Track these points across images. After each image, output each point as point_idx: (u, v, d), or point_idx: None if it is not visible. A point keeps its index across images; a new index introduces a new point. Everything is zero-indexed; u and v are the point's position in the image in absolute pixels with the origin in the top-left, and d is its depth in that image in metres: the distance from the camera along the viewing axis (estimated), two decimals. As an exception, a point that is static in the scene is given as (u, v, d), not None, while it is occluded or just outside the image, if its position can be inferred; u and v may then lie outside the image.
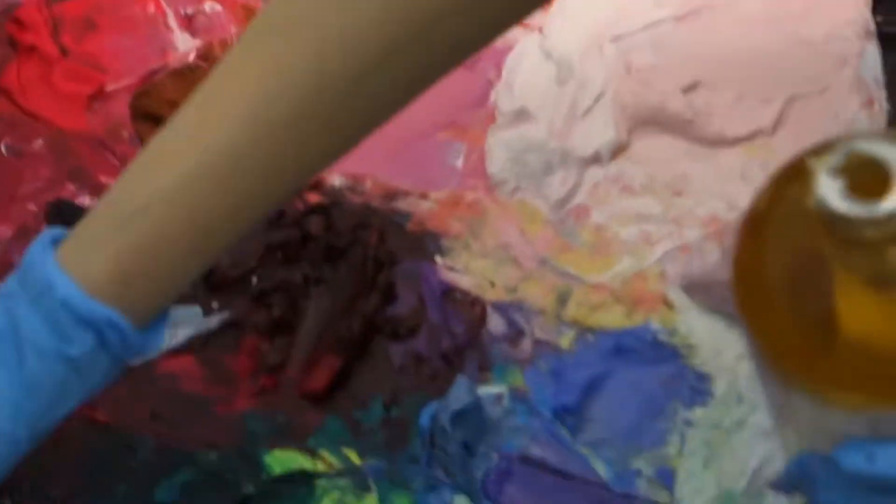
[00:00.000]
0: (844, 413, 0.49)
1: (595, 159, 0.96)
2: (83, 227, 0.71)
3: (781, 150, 0.95)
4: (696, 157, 0.96)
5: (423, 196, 0.95)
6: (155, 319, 0.72)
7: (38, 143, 1.01)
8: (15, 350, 0.67)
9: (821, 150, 0.46)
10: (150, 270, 0.69)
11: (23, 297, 0.68)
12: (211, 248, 0.71)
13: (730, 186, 0.93)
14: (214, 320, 0.88)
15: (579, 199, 0.94)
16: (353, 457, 0.83)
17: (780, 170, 0.50)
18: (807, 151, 0.47)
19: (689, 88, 0.99)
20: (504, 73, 1.02)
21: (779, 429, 0.58)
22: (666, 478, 0.81)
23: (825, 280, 0.47)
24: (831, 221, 0.44)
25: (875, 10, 1.02)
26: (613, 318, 0.88)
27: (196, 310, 0.88)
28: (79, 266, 0.68)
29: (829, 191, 0.43)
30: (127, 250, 0.68)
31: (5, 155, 1.00)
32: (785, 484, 0.58)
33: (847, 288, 0.46)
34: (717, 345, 0.87)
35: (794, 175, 0.48)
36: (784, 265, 0.49)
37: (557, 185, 0.94)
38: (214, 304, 0.89)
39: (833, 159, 0.44)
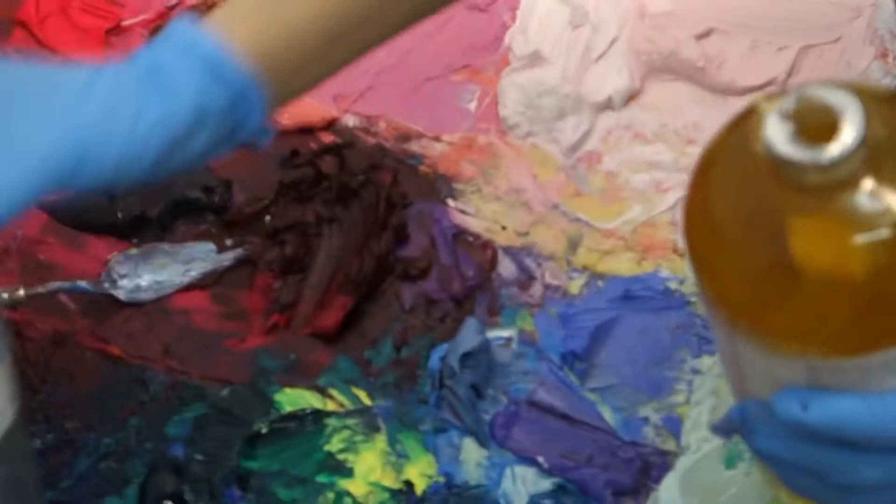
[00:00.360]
0: (785, 361, 0.49)
1: (608, 105, 0.96)
2: (229, 5, 0.71)
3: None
4: (709, 105, 0.96)
5: (436, 138, 0.96)
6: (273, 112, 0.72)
7: (55, 77, 1.01)
8: (155, 88, 0.67)
9: (775, 95, 0.46)
10: (285, 52, 0.69)
11: (167, 46, 0.67)
12: (345, 44, 0.72)
13: (741, 135, 0.94)
14: (228, 257, 0.89)
15: (591, 144, 0.95)
16: (363, 396, 0.84)
17: (735, 114, 0.50)
18: (760, 96, 0.47)
19: (703, 35, 0.99)
20: (519, 16, 1.02)
21: (725, 374, 0.58)
22: (673, 425, 0.82)
23: (772, 225, 0.46)
24: (777, 165, 0.44)
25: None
26: (623, 264, 0.89)
27: (210, 246, 0.89)
28: (223, 33, 0.67)
29: (777, 134, 0.43)
30: (268, 29, 0.68)
31: (23, 88, 1.00)
32: (725, 428, 0.58)
33: (792, 233, 0.45)
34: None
35: (747, 120, 0.47)
36: (733, 210, 0.48)
37: (570, 130, 0.95)
38: (228, 242, 0.90)
39: (784, 103, 0.44)
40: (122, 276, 0.88)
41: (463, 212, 0.92)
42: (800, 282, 0.46)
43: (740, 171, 0.47)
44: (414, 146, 0.96)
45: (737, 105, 0.94)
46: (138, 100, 0.64)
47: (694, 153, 0.92)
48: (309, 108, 0.97)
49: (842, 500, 0.53)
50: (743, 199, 0.47)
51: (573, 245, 0.89)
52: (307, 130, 0.96)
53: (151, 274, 0.88)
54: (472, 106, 0.98)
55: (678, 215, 0.89)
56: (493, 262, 0.89)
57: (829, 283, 0.45)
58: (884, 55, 0.98)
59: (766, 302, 0.47)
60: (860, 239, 0.44)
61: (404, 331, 0.87)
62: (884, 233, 0.44)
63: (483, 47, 1.01)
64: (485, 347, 0.83)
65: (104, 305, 0.88)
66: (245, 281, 0.89)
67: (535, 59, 0.99)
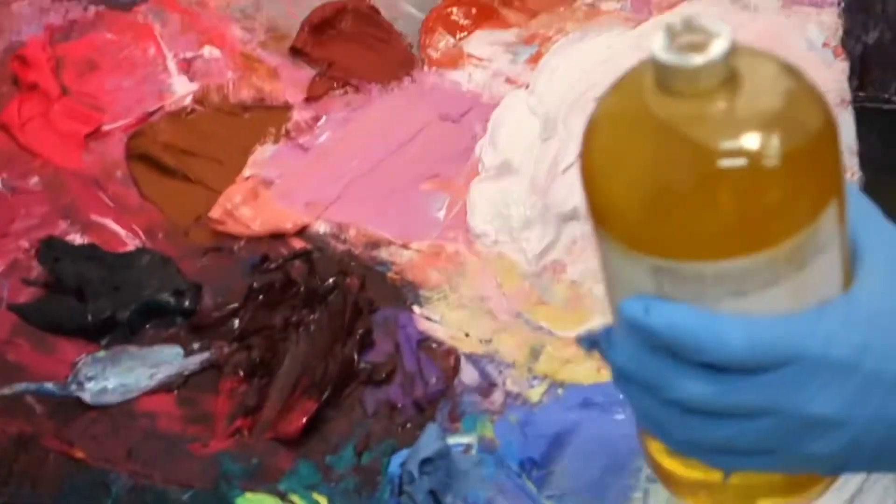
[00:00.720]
0: (636, 265, 0.52)
1: (573, 216, 0.98)
2: None
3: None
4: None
5: (405, 246, 0.97)
6: None
7: (34, 181, 1.03)
8: None
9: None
10: None
11: None
12: None
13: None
14: (195, 360, 0.90)
15: (556, 254, 0.96)
16: (324, 502, 0.84)
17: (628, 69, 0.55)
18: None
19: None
20: (489, 127, 1.05)
21: (607, 299, 0.60)
22: (628, 533, 0.82)
23: (641, 127, 0.51)
24: (656, 70, 0.49)
25: (860, 87, 1.04)
26: (584, 372, 0.90)
27: (177, 350, 0.90)
28: None
29: (660, 45, 0.49)
30: None
31: (1, 190, 1.02)
32: (587, 340, 0.60)
33: (653, 133, 0.50)
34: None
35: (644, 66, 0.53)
36: (614, 120, 0.53)
37: (536, 239, 0.96)
38: (195, 345, 0.91)
39: (672, 23, 0.49)
40: (90, 379, 0.88)
41: (428, 319, 0.93)
42: (652, 180, 0.51)
43: (628, 86, 0.53)
44: (383, 253, 0.97)
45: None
46: None
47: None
48: (281, 214, 0.99)
49: (681, 430, 0.55)
50: (624, 105, 0.53)
51: (535, 353, 0.91)
52: (278, 236, 0.98)
53: (118, 377, 0.89)
54: (441, 214, 1.00)
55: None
56: (456, 368, 0.90)
57: (672, 184, 0.50)
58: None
59: (626, 195, 0.52)
60: (705, 145, 0.49)
61: (366, 436, 0.87)
62: (721, 145, 0.49)
63: (454, 157, 1.03)
64: (445, 454, 0.84)
65: (70, 407, 0.88)
66: (211, 384, 0.89)
67: (505, 169, 1.00)
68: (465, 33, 1.13)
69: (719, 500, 0.62)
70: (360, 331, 0.91)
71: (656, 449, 0.62)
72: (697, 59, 0.48)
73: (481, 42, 1.13)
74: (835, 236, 0.52)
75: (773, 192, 0.49)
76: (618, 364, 0.56)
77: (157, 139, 1.05)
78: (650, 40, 0.49)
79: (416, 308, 0.93)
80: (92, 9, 1.17)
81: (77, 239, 0.99)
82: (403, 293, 0.94)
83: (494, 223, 0.97)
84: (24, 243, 0.98)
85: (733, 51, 0.49)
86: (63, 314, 0.92)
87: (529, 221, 0.97)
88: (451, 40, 1.13)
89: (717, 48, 0.48)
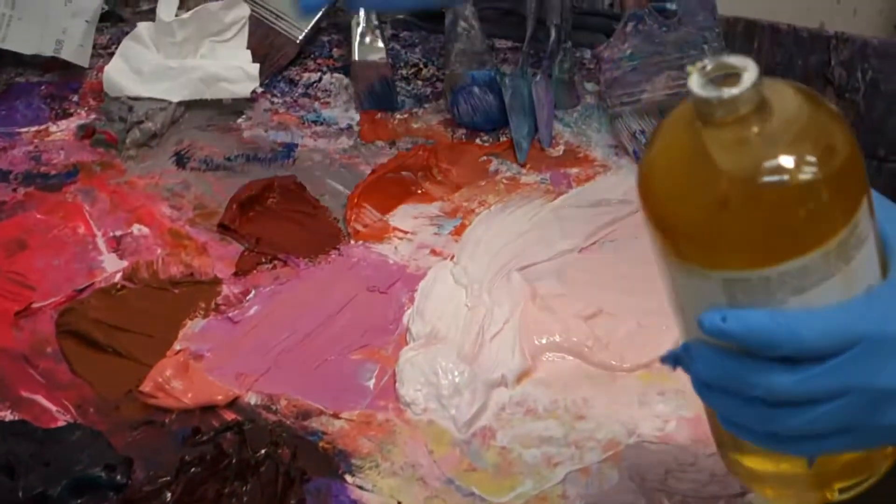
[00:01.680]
0: (707, 281, 0.61)
1: (501, 382, 0.99)
2: None
3: (679, 378, 0.99)
4: (598, 382, 1.00)
5: (336, 415, 0.98)
6: None
7: (-36, 360, 1.03)
8: None
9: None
10: None
11: None
12: None
13: (629, 411, 0.97)
14: None
15: (485, 420, 0.98)
16: None
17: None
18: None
19: (592, 316, 1.04)
20: (417, 297, 1.07)
21: (675, 316, 0.69)
22: None
23: (691, 156, 0.60)
24: (696, 105, 0.59)
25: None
26: (515, 538, 0.91)
27: None
28: None
29: (696, 82, 0.58)
30: None
31: (-68, 372, 1.02)
32: (671, 358, 0.69)
33: (702, 161, 0.59)
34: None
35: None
36: (668, 152, 0.62)
37: (465, 406, 0.98)
38: (128, 519, 0.90)
39: (705, 63, 0.59)
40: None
41: (360, 487, 0.93)
42: (717, 206, 0.59)
43: (675, 124, 0.62)
44: (314, 423, 0.98)
45: (624, 382, 0.99)
46: None
47: (584, 428, 0.96)
48: (212, 387, 1.00)
49: (767, 424, 0.63)
50: (675, 140, 0.62)
51: (467, 519, 0.91)
52: (209, 409, 0.99)
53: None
54: (371, 384, 1.01)
55: (568, 489, 0.92)
56: (389, 536, 0.90)
57: (735, 206, 0.58)
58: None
59: (693, 220, 0.60)
60: (756, 165, 0.58)
61: None
62: (767, 164, 0.58)
63: (382, 327, 1.05)
64: None
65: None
66: (143, 559, 0.89)
67: (432, 338, 1.02)
68: (390, 208, 1.17)
69: (801, 489, 0.71)
70: (293, 501, 0.91)
71: (739, 454, 0.72)
72: (731, 90, 0.58)
73: (406, 216, 1.16)
74: (870, 229, 0.62)
75: (821, 197, 0.58)
76: (702, 374, 0.64)
77: (87, 315, 1.06)
78: (688, 82, 0.59)
79: (348, 477, 0.94)
80: (21, 190, 1.19)
81: (7, 415, 0.98)
82: (336, 462, 0.95)
83: (424, 391, 0.99)
84: (-46, 421, 0.98)
85: (761, 80, 0.58)
86: (-8, 491, 0.92)
87: (458, 388, 0.98)
88: (377, 215, 1.16)
89: (748, 77, 0.58)
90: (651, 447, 0.94)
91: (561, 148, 1.23)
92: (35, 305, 1.08)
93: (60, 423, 0.98)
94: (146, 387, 0.99)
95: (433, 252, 1.12)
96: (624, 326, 1.03)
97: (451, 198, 1.18)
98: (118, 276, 1.10)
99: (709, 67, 0.59)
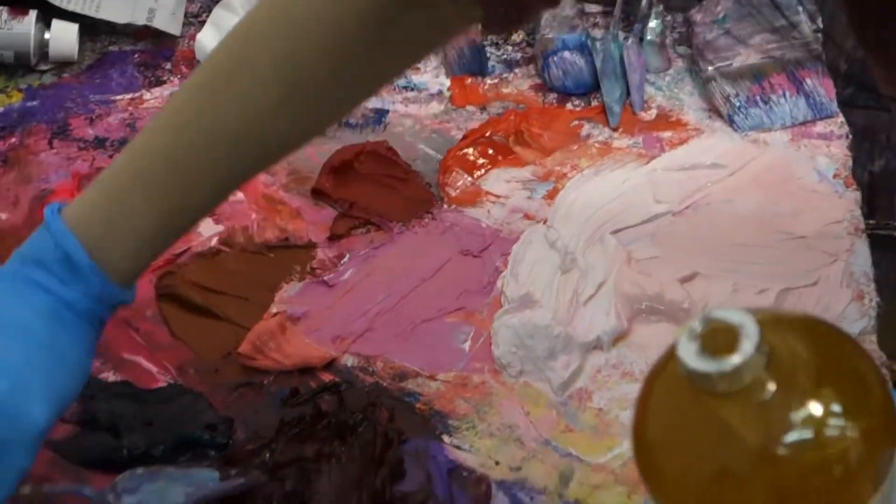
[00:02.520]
0: None
1: (597, 345, 1.00)
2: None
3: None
4: (694, 344, 0.99)
5: (432, 377, 0.99)
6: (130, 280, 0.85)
7: (65, 321, 1.04)
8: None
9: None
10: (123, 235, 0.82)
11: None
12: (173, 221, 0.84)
13: (726, 373, 0.96)
14: (231, 485, 0.90)
15: (581, 382, 0.98)
16: None
17: (669, 345, 0.54)
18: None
19: (687, 279, 1.03)
20: (510, 261, 1.07)
21: None
22: None
23: (695, 432, 0.51)
24: (691, 378, 0.49)
25: (869, 214, 1.06)
26: (614, 498, 0.91)
27: (214, 474, 0.90)
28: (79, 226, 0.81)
29: (686, 351, 0.49)
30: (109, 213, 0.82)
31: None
32: None
33: (708, 437, 0.50)
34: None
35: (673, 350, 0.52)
36: (665, 424, 0.53)
37: (560, 369, 0.98)
38: (232, 471, 0.91)
39: (692, 325, 0.49)
40: (127, 491, 0.88)
41: (458, 447, 0.94)
42: (724, 481, 0.50)
43: (669, 390, 0.53)
44: (410, 385, 0.99)
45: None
46: None
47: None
48: (309, 349, 1.01)
49: None
50: (671, 411, 0.53)
51: (565, 479, 0.92)
52: (307, 370, 1.00)
53: (154, 494, 0.89)
54: (467, 346, 1.01)
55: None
56: (487, 496, 0.91)
57: (745, 478, 0.50)
58: (859, 297, 1.02)
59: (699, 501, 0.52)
60: (767, 438, 0.49)
61: (402, 566, 0.88)
62: (788, 433, 0.49)
63: (476, 291, 1.05)
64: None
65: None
66: (244, 516, 0.90)
67: (527, 301, 1.03)
68: (482, 171, 1.17)
69: None
70: (391, 461, 0.92)
71: None
72: (733, 361, 0.48)
73: (498, 180, 1.16)
74: None
75: (847, 465, 0.49)
76: None
77: (185, 279, 1.07)
78: (677, 344, 0.49)
79: (445, 438, 0.95)
80: (117, 157, 1.21)
81: (110, 377, 1.00)
82: (433, 423, 0.96)
83: (519, 353, 0.99)
84: (58, 382, 1.00)
85: (762, 339, 0.48)
86: (98, 450, 0.93)
87: (553, 351, 0.99)
88: (469, 179, 1.16)
89: (748, 344, 0.48)
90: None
91: (653, 112, 1.22)
92: (134, 270, 1.09)
93: (161, 384, 1.00)
94: (245, 349, 1.01)
95: (526, 216, 1.12)
96: (719, 289, 1.03)
97: (543, 162, 1.17)
98: (215, 241, 1.12)
99: (697, 328, 0.50)
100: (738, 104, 1.19)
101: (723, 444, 0.50)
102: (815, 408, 0.48)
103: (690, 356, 0.49)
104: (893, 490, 0.51)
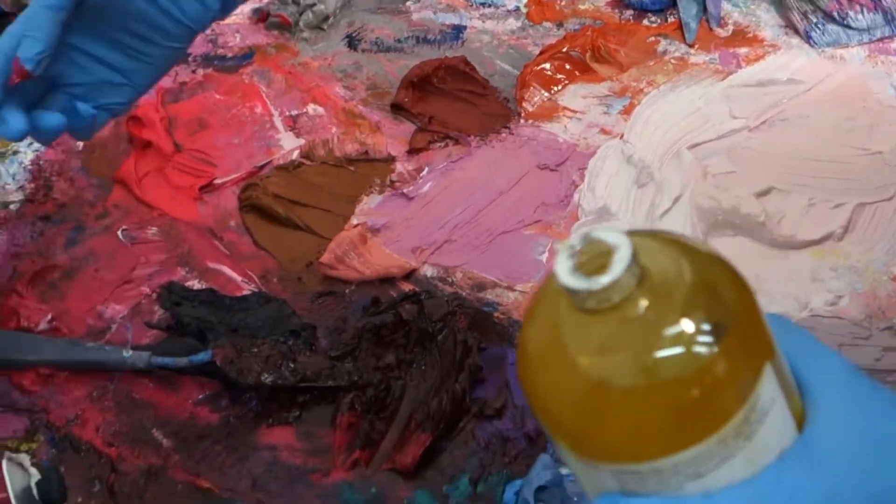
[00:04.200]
0: (598, 470, 0.54)
1: (673, 257, 1.01)
2: None
3: (850, 254, 1.00)
4: (769, 258, 1.01)
5: (510, 287, 1.01)
6: None
7: (153, 231, 1.07)
8: None
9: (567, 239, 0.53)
10: None
11: None
12: None
13: (801, 287, 0.98)
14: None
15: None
16: (441, 528, 0.87)
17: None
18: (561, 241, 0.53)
19: (763, 193, 1.04)
20: (587, 175, 1.09)
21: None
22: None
23: (565, 345, 0.52)
24: (567, 294, 0.50)
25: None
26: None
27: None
28: None
29: (562, 268, 0.50)
30: None
31: (122, 240, 1.07)
32: None
33: (577, 350, 0.51)
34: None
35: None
36: (542, 337, 0.54)
37: (636, 280, 0.99)
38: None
39: (571, 241, 0.50)
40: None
41: (535, 356, 0.96)
42: (588, 394, 0.51)
43: (549, 305, 0.53)
44: (489, 295, 1.01)
45: (796, 258, 0.99)
46: None
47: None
48: (389, 259, 1.03)
49: None
50: (548, 325, 0.53)
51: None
52: (387, 280, 1.02)
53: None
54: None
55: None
56: (565, 402, 0.92)
57: (613, 396, 0.50)
58: (935, 211, 1.02)
59: (568, 415, 0.52)
60: (636, 353, 0.50)
61: (480, 467, 0.90)
62: (658, 349, 0.50)
63: (554, 204, 1.07)
64: (557, 482, 0.86)
65: (196, 440, 0.92)
66: (328, 419, 0.93)
67: (603, 214, 1.04)
68: (559, 87, 1.18)
69: None
70: (471, 367, 0.94)
71: None
72: (602, 281, 0.49)
73: (575, 95, 1.17)
74: (777, 395, 0.52)
75: (709, 380, 0.49)
76: None
77: (267, 191, 1.09)
78: (555, 261, 0.50)
79: (523, 346, 0.96)
80: (200, 71, 1.23)
81: (195, 284, 1.03)
82: (510, 332, 0.98)
83: (596, 265, 1.00)
84: (146, 289, 1.03)
85: (635, 255, 0.49)
86: (185, 355, 0.96)
87: (630, 263, 1.00)
88: (546, 94, 1.17)
89: (618, 265, 0.49)
90: (824, 321, 0.95)
91: (730, 28, 1.23)
92: (217, 181, 1.12)
93: (245, 292, 1.02)
94: (326, 258, 1.03)
95: (602, 131, 1.13)
96: (795, 203, 1.03)
97: (619, 78, 1.18)
98: (296, 154, 1.14)
99: (577, 247, 0.50)
100: (815, 20, 1.19)
101: (594, 360, 0.51)
102: (686, 325, 0.49)
103: (565, 272, 0.50)
104: (772, 406, 0.52)
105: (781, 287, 0.98)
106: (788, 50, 1.19)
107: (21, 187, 1.12)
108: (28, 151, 1.15)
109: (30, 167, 1.14)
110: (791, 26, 1.21)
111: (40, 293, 1.02)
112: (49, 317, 1.00)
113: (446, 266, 1.03)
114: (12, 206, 1.10)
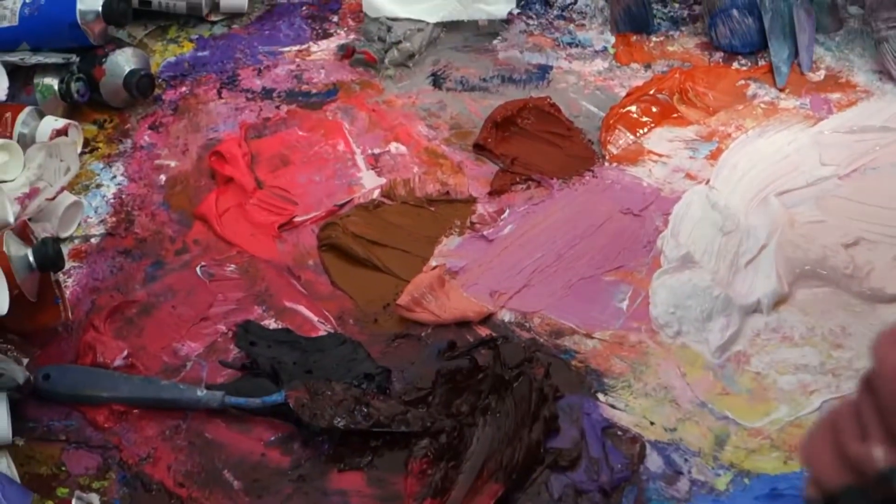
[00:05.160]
0: None
1: (756, 308, 0.98)
2: None
3: (942, 310, 0.97)
4: (856, 310, 0.98)
5: (588, 335, 0.99)
6: None
7: (231, 268, 1.07)
8: None
9: None
10: None
11: None
12: None
13: (889, 341, 0.95)
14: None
15: (740, 346, 0.97)
16: (513, 579, 0.86)
17: None
18: None
19: (851, 244, 1.01)
20: (671, 221, 1.07)
21: None
22: None
23: None
24: None
25: None
26: (770, 463, 0.90)
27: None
28: None
29: None
30: None
31: (200, 277, 1.07)
32: None
33: None
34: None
35: None
36: None
37: (718, 331, 0.97)
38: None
39: None
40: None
41: (612, 406, 0.94)
42: None
43: None
44: (566, 342, 0.99)
45: (885, 312, 0.97)
46: None
47: (841, 357, 0.94)
48: (467, 302, 1.01)
49: None
50: None
51: (720, 442, 0.91)
52: (464, 324, 1.01)
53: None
54: (624, 305, 1.01)
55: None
56: (642, 455, 0.91)
57: None
58: None
59: None
60: None
61: (552, 519, 0.88)
62: None
63: (635, 249, 1.05)
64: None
65: (267, 483, 0.91)
66: (399, 465, 0.92)
67: (687, 262, 1.02)
68: (645, 130, 1.16)
69: None
70: (546, 416, 0.92)
71: None
72: None
73: (661, 139, 1.15)
74: None
75: None
76: None
77: (346, 230, 1.09)
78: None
79: (600, 395, 0.95)
80: (284, 107, 1.23)
81: (271, 324, 1.02)
82: (588, 381, 0.96)
83: (677, 314, 0.99)
84: (222, 327, 1.02)
85: None
86: (259, 395, 0.95)
87: (711, 313, 0.98)
88: (631, 137, 1.15)
89: None
90: (912, 379, 0.92)
91: (822, 72, 1.20)
92: (297, 219, 1.11)
93: (321, 333, 1.01)
94: (403, 300, 1.02)
95: (688, 175, 1.11)
96: (885, 255, 1.01)
97: (707, 121, 1.16)
98: (376, 193, 1.13)
99: None
100: (910, 66, 1.16)
101: None
102: None
103: None
104: None
105: (868, 341, 0.95)
106: (882, 96, 1.17)
107: (102, 221, 1.12)
108: (111, 185, 1.16)
109: (112, 200, 1.14)
110: (885, 72, 1.19)
111: (117, 329, 1.02)
112: (125, 353, 1.00)
113: (524, 311, 1.01)
114: (93, 240, 1.10)
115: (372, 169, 1.15)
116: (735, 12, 1.22)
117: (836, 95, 1.17)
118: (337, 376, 0.96)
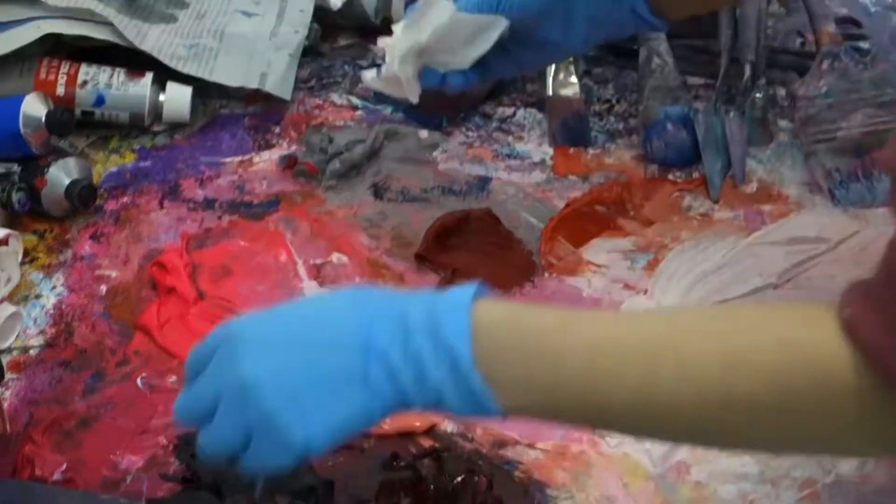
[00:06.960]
0: None
1: (696, 418, 0.99)
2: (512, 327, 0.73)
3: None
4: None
5: (531, 445, 1.00)
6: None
7: (172, 379, 1.07)
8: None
9: None
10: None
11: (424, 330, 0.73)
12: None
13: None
14: None
15: (681, 455, 0.98)
16: None
17: None
18: None
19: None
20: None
21: None
22: None
23: None
24: None
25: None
26: (712, 573, 0.91)
27: None
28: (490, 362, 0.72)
29: None
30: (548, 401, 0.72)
31: (141, 389, 1.06)
32: None
33: None
34: None
35: None
36: None
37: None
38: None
39: None
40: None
41: (556, 517, 0.95)
42: None
43: None
44: (509, 452, 0.99)
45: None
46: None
47: (780, 466, 0.95)
48: (410, 413, 1.01)
49: None
50: None
51: (663, 553, 0.92)
52: (407, 435, 1.01)
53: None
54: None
55: (765, 526, 0.91)
56: (585, 567, 0.91)
57: None
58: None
59: None
60: None
61: None
62: None
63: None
64: None
65: None
66: (344, 579, 0.91)
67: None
68: (584, 241, 1.18)
69: None
70: (490, 528, 0.93)
71: None
72: None
73: (599, 249, 1.17)
74: None
75: None
76: None
77: (289, 340, 1.09)
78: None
79: (543, 507, 0.95)
80: (226, 218, 1.23)
81: (214, 436, 1.02)
82: (532, 492, 0.96)
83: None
84: (162, 440, 1.02)
85: None
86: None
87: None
88: (570, 248, 1.17)
89: None
90: (849, 487, 0.94)
91: (754, 185, 1.23)
92: (239, 329, 1.11)
93: (264, 445, 1.01)
94: (346, 412, 1.02)
95: (626, 286, 1.13)
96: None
97: (644, 233, 1.18)
98: (318, 304, 1.13)
99: None
100: (839, 178, 1.19)
101: None
102: None
103: None
104: None
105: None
106: (813, 208, 1.20)
107: (42, 331, 1.12)
108: (51, 295, 1.15)
109: (51, 311, 1.13)
110: (815, 184, 1.22)
111: (56, 442, 1.01)
112: (64, 466, 0.99)
113: (466, 421, 1.02)
114: (32, 351, 1.10)
115: (314, 279, 1.16)
116: (669, 125, 1.25)
117: (768, 207, 1.20)
118: (279, 489, 0.96)
